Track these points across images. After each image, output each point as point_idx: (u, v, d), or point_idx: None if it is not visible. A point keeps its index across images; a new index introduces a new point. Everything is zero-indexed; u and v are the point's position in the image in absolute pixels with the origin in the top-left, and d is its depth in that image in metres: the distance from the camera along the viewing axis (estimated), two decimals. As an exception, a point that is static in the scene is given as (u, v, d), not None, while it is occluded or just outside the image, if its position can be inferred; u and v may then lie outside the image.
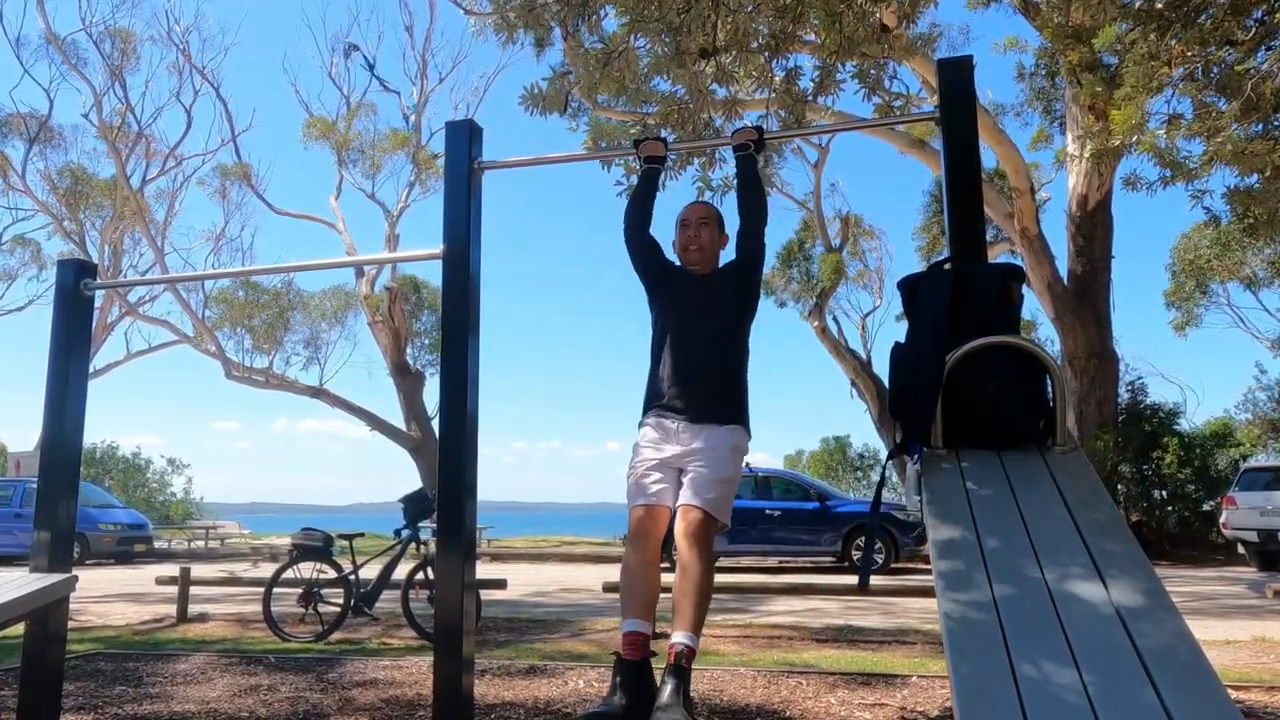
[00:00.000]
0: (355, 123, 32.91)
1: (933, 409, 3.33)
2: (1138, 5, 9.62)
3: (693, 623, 3.81)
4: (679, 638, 3.77)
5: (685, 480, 4.13)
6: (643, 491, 4.16)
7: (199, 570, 13.51)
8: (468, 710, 4.11)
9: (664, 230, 4.67)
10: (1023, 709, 2.08)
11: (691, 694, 3.70)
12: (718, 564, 19.43)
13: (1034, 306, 24.90)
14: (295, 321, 35.36)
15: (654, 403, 4.36)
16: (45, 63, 34.25)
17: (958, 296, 3.49)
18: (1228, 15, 9.20)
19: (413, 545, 10.09)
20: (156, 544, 30.68)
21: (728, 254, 4.52)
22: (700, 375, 4.27)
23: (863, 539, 18.90)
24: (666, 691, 3.61)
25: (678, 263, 4.58)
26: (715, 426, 4.20)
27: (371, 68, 33.06)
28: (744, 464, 4.34)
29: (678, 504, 4.11)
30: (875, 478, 46.03)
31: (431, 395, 32.58)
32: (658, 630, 4.06)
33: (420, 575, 9.63)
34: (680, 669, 3.68)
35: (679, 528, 4.01)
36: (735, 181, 4.56)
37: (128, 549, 24.70)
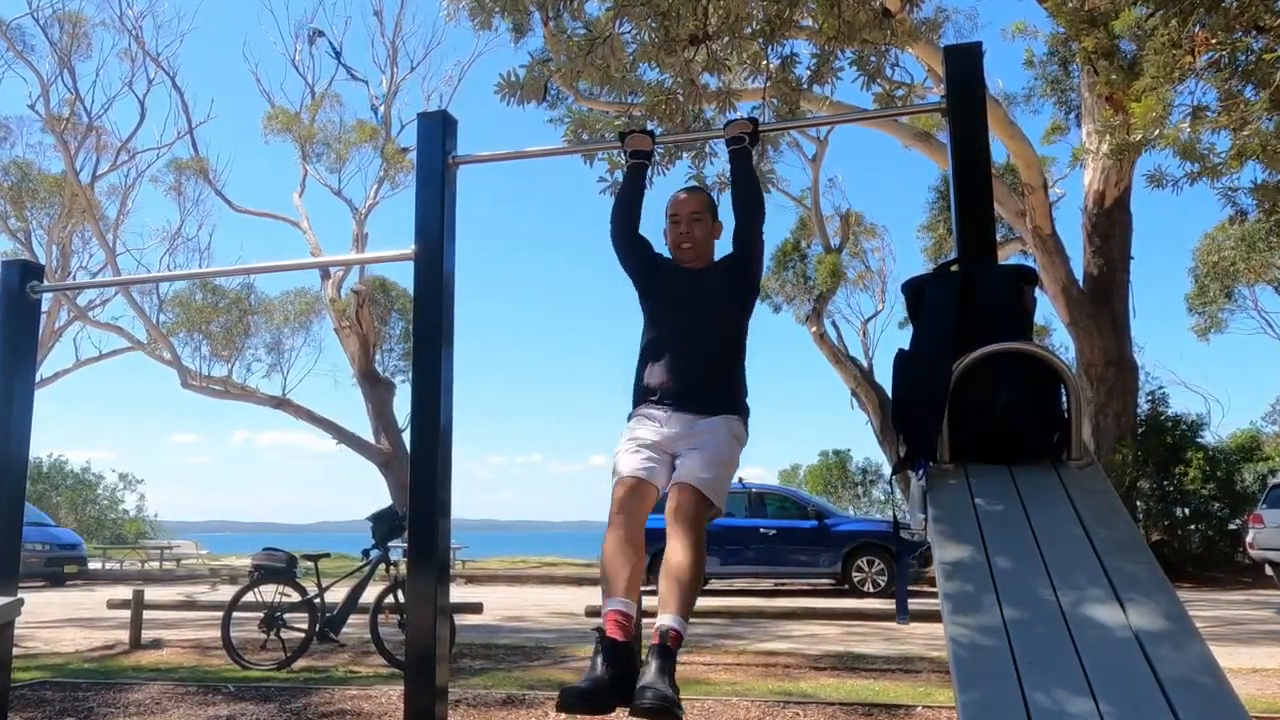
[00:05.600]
0: (320, 114, 32.80)
1: (939, 421, 3.34)
2: (1157, -12, 9.65)
3: (681, 607, 3.78)
4: (666, 620, 3.73)
5: (679, 463, 4.12)
6: (630, 466, 4.13)
7: (153, 593, 13.46)
8: (441, 744, 4.11)
9: (654, 218, 4.67)
10: (1035, 741, 2.09)
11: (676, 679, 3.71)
12: (709, 585, 19.45)
13: (1047, 310, 25.02)
14: (256, 327, 35.21)
15: (645, 398, 4.35)
16: (-12, 50, 34.07)
17: (966, 300, 3.50)
18: (1254, -1, 9.24)
19: (382, 567, 10.06)
20: (108, 565, 30.56)
21: (724, 246, 4.51)
22: (695, 372, 4.26)
23: (864, 560, 18.91)
24: (651, 670, 3.59)
25: (669, 255, 4.57)
26: (711, 417, 4.20)
27: (338, 55, 32.95)
28: (739, 457, 4.32)
29: (670, 483, 4.09)
30: (877, 494, 46.19)
31: (402, 405, 32.55)
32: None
33: (390, 598, 9.60)
34: (665, 649, 3.66)
35: (670, 507, 3.99)
36: (729, 178, 4.56)
37: (57, 570, 24.33)
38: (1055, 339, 31.80)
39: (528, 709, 7.16)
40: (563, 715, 6.83)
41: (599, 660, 3.74)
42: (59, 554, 24.62)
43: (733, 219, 4.47)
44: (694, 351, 4.28)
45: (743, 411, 4.31)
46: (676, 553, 3.88)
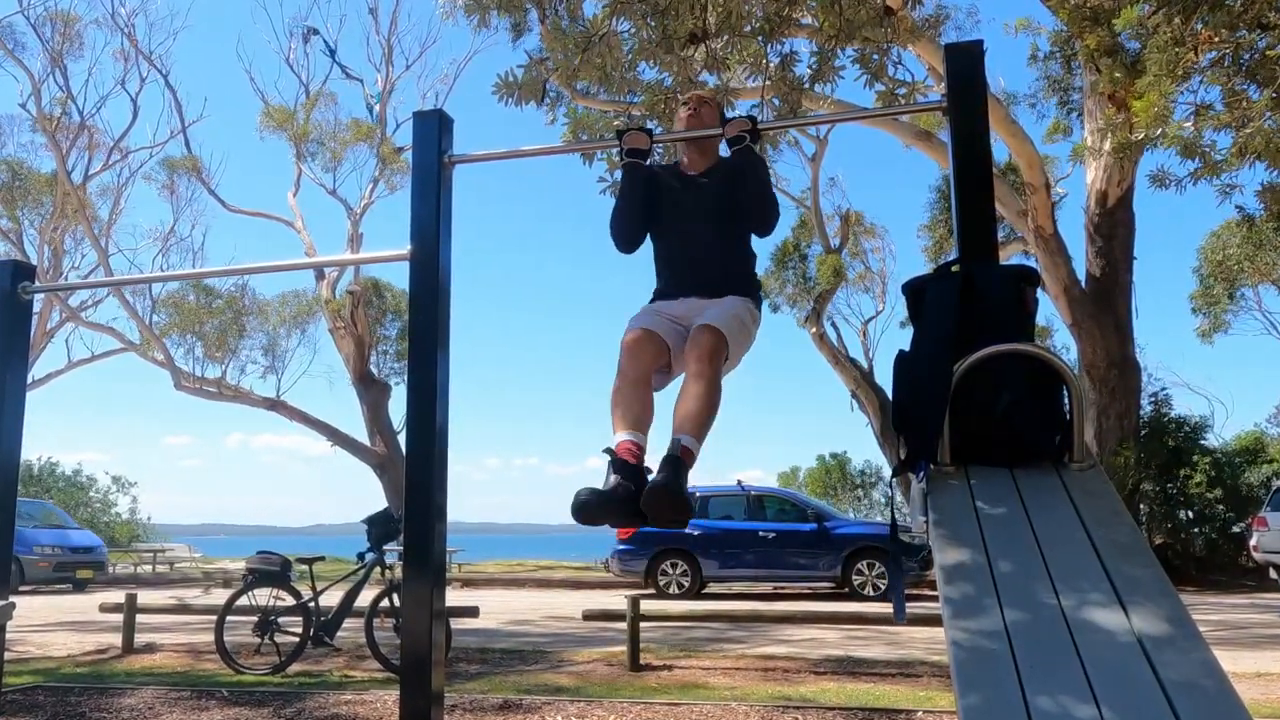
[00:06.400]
0: (315, 113, 32.77)
1: (939, 423, 3.33)
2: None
3: (695, 429, 3.92)
4: (680, 438, 3.88)
5: (695, 321, 4.22)
6: (640, 321, 4.30)
7: (146, 597, 13.43)
8: (437, 749, 4.10)
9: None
10: (1037, 747, 2.09)
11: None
12: (705, 590, 19.47)
13: (1049, 311, 24.97)
14: (250, 328, 35.18)
15: (656, 297, 4.53)
16: (-22, 48, 34.02)
17: (967, 301, 3.50)
18: (1257, -4, 9.25)
19: (377, 570, 10.04)
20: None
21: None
22: (702, 261, 4.42)
23: (864, 563, 18.90)
24: (662, 471, 3.76)
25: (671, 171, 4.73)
26: (723, 297, 4.33)
27: (333, 53, 32.90)
28: (755, 335, 4.45)
29: (691, 329, 4.20)
30: (877, 497, 46.11)
31: (398, 407, 32.48)
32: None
33: (385, 602, 9.59)
34: (676, 459, 3.81)
35: (688, 348, 4.12)
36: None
37: (68, 575, 23.44)
38: (1057, 340, 31.82)
39: (524, 714, 7.16)
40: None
41: (611, 475, 3.84)
42: (70, 558, 23.63)
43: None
44: (701, 257, 4.43)
45: (755, 296, 4.46)
46: (693, 384, 4.02)
